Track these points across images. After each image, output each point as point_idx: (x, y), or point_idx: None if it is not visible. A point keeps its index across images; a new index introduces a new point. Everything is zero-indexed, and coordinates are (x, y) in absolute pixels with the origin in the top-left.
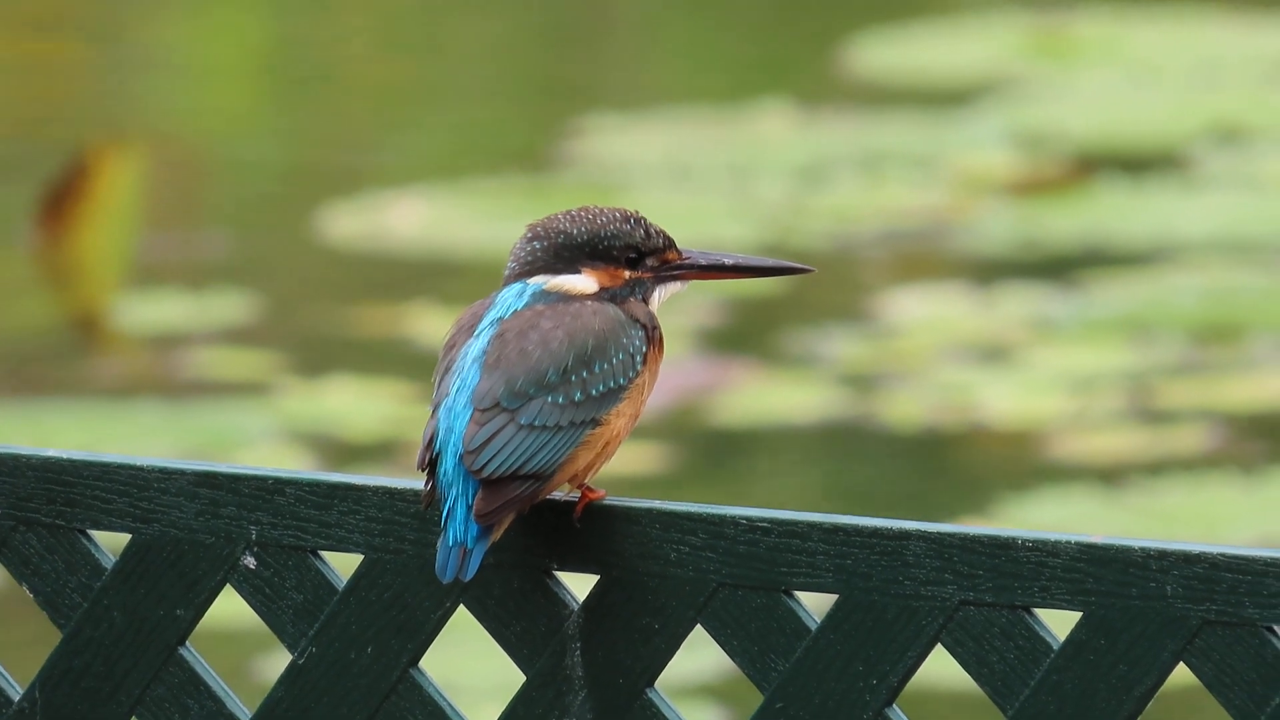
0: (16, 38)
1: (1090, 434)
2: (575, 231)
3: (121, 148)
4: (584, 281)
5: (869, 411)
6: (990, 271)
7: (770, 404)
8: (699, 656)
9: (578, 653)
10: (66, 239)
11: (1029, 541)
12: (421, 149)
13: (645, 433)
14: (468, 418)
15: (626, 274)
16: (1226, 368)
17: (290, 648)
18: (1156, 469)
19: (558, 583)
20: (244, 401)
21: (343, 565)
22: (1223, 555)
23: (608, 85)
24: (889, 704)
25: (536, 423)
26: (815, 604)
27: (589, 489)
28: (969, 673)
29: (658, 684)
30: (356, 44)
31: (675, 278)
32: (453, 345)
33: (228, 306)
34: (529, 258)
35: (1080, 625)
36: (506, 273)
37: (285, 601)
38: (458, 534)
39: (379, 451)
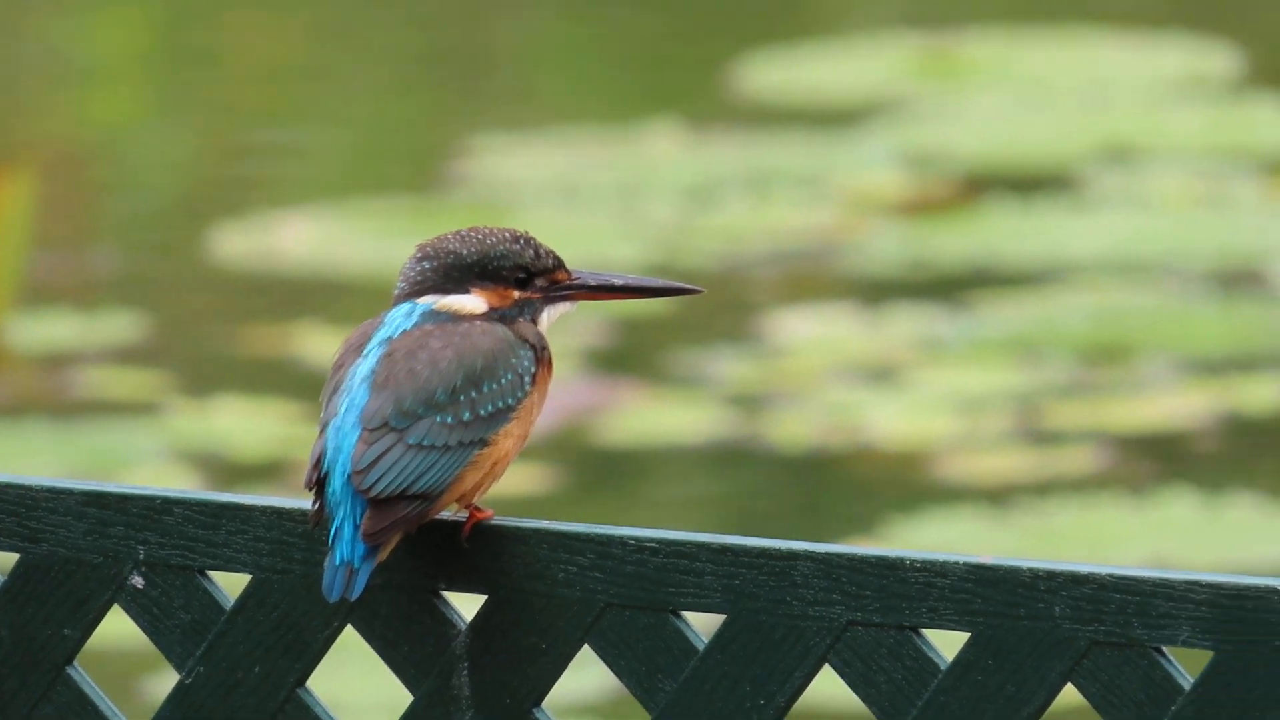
0: None
1: (978, 454)
2: (465, 251)
3: (11, 167)
4: (473, 301)
5: (757, 432)
6: (878, 292)
7: (658, 424)
8: (586, 676)
9: (465, 673)
10: None
11: (917, 562)
12: (310, 169)
13: (533, 453)
14: (356, 437)
15: (516, 294)
16: (1115, 388)
17: (178, 667)
18: (1045, 489)
19: (445, 603)
20: (132, 421)
21: (230, 585)
22: (1111, 576)
23: (496, 105)
24: None
25: (425, 442)
26: (703, 624)
27: (477, 509)
28: (856, 693)
29: (545, 704)
30: (245, 62)
31: (565, 298)
32: (341, 365)
33: (117, 326)
34: (418, 277)
35: (968, 645)
36: (396, 292)
37: (173, 621)
38: (345, 553)
39: (267, 471)
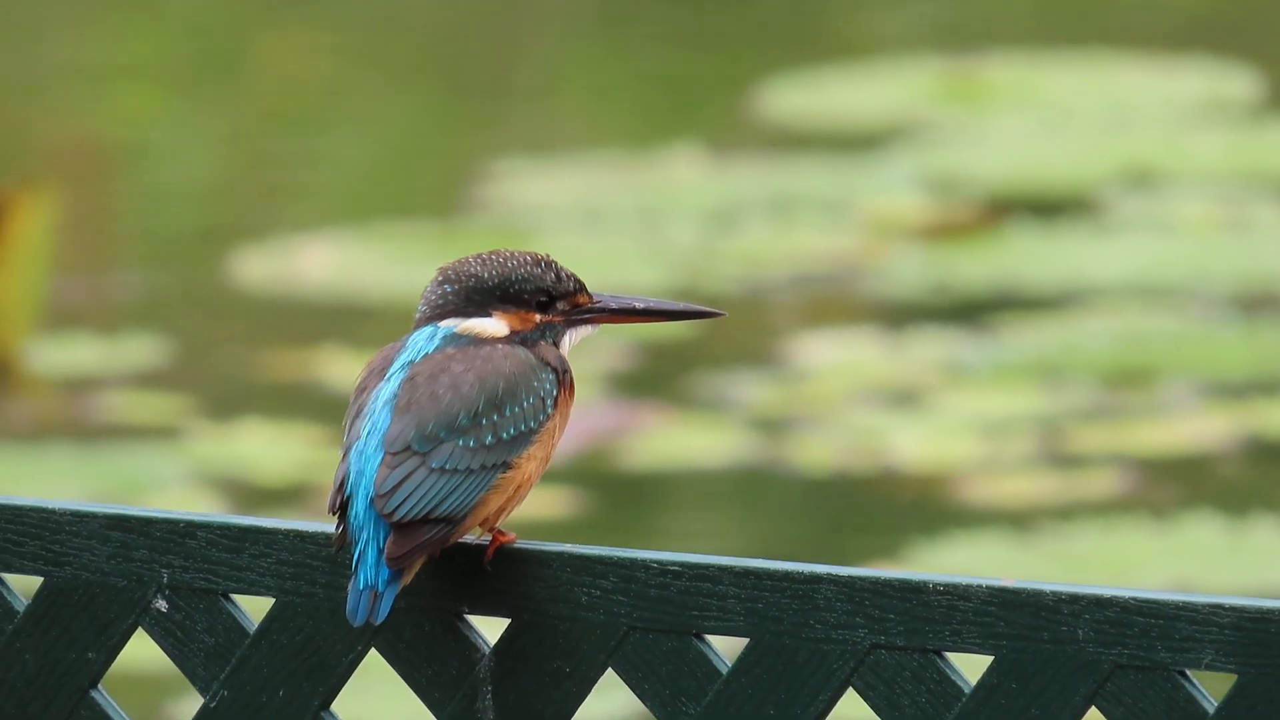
0: None
1: (1001, 478)
2: (486, 275)
3: (33, 191)
4: (495, 325)
5: (779, 455)
6: (901, 315)
7: (681, 448)
8: (610, 700)
9: (489, 696)
10: None
11: (940, 585)
12: (331, 193)
13: (556, 476)
14: (379, 461)
15: (537, 317)
16: (1138, 412)
17: (202, 691)
18: (1067, 513)
19: (469, 626)
20: (155, 445)
21: (254, 608)
22: (1134, 599)
23: (519, 129)
24: None
25: (448, 466)
26: (726, 647)
27: (500, 532)
28: (880, 716)
29: None
30: (267, 85)
31: (586, 321)
32: (364, 389)
33: (139, 350)
34: (440, 301)
35: (992, 669)
36: (417, 316)
37: (197, 644)
38: (369, 577)
39: (290, 495)
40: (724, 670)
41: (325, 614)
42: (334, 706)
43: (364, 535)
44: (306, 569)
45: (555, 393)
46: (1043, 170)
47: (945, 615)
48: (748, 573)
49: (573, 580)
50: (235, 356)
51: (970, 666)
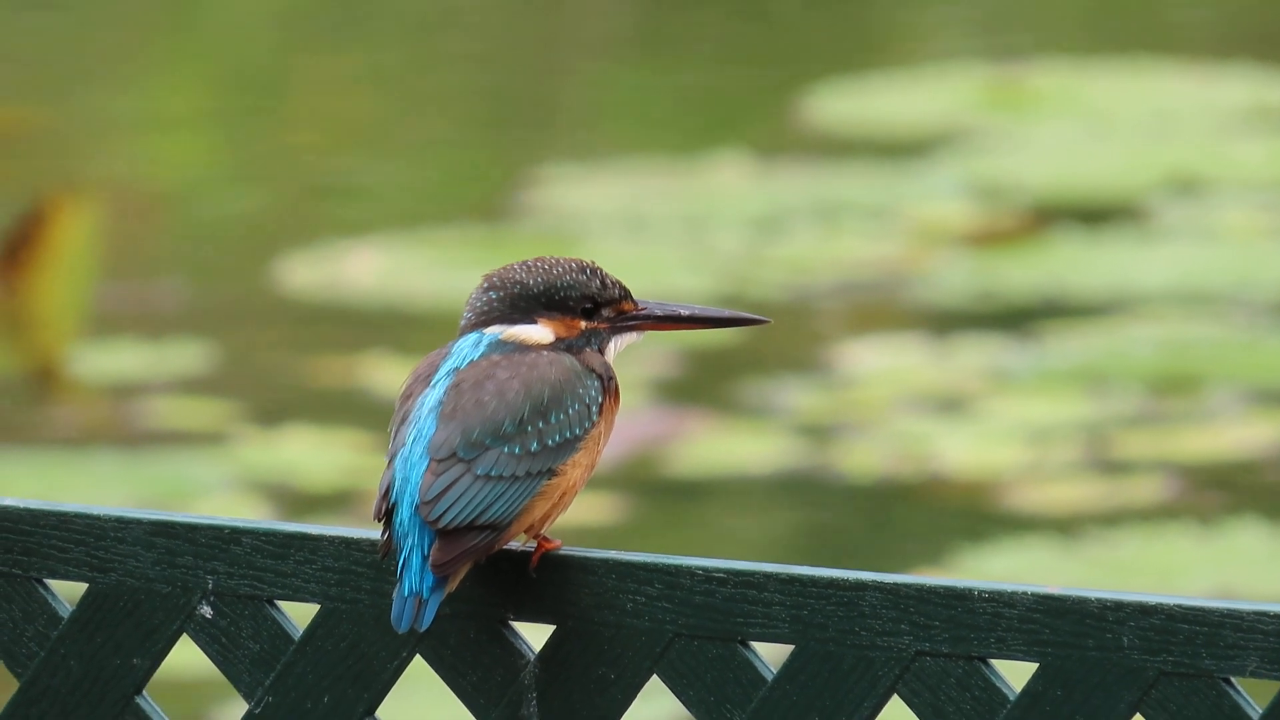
0: None
1: (1047, 484)
2: (531, 282)
3: (78, 197)
4: (540, 332)
5: (825, 462)
6: (947, 322)
7: (726, 454)
8: (655, 707)
9: (534, 703)
10: (23, 289)
11: (985, 592)
12: (378, 199)
13: (601, 483)
14: (424, 468)
15: (582, 324)
16: (1183, 419)
17: (247, 697)
18: (1113, 520)
19: (514, 633)
20: (200, 451)
21: (299, 615)
22: (1179, 606)
23: (564, 136)
24: None
25: (493, 473)
26: (771, 654)
27: (545, 539)
28: None
29: None
30: (312, 95)
31: (631, 328)
32: (409, 395)
33: (184, 356)
34: (485, 308)
35: (1036, 676)
36: (463, 323)
37: (242, 651)
38: (413, 584)
39: (335, 501)
40: (769, 677)
41: (370, 620)
42: (379, 712)
43: (409, 542)
44: (352, 575)
45: (600, 399)
46: (1088, 177)
47: (990, 622)
48: (793, 579)
49: (618, 587)
50: (281, 362)
51: (1015, 674)
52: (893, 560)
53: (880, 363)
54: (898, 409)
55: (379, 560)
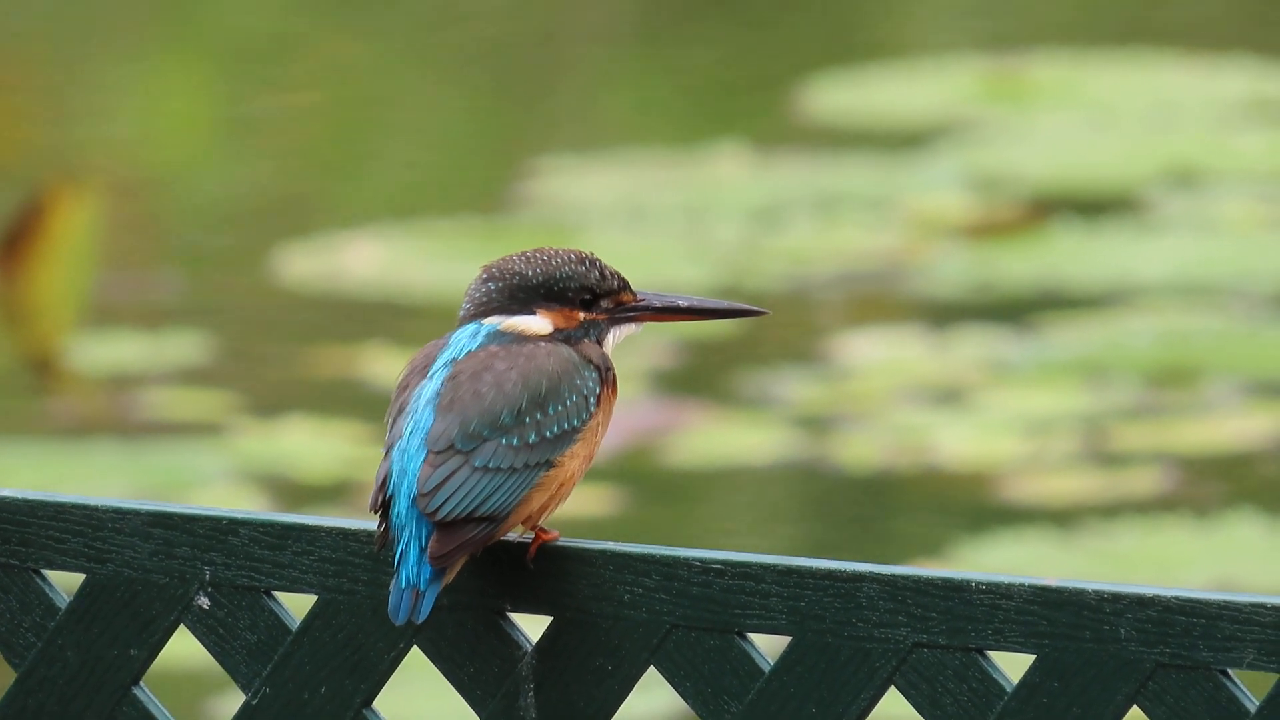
0: None
1: (1045, 476)
2: (530, 273)
3: (76, 188)
4: (538, 322)
5: (823, 453)
6: (945, 314)
7: (724, 446)
8: (652, 698)
9: (531, 694)
10: (21, 279)
11: (982, 584)
12: (376, 190)
13: (599, 474)
14: (421, 460)
15: (581, 315)
16: (1182, 410)
17: (244, 688)
18: (1111, 512)
19: (511, 624)
20: (198, 442)
21: (296, 606)
22: (1176, 598)
23: (563, 126)
24: None
25: (491, 465)
26: (769, 646)
27: (543, 530)
28: (922, 715)
29: None
30: (310, 85)
31: (630, 319)
32: (406, 386)
33: (182, 347)
34: (484, 298)
35: (1034, 668)
36: (461, 313)
37: (239, 641)
38: (411, 576)
39: (333, 492)
40: (766, 669)
41: (367, 612)
42: (376, 704)
43: (406, 534)
44: (349, 567)
45: (598, 391)
46: (1087, 169)
47: (987, 614)
48: (790, 571)
49: (615, 578)
50: (279, 353)
51: (1012, 665)
52: (890, 552)
53: (879, 354)
54: (896, 400)
55: (376, 552)
